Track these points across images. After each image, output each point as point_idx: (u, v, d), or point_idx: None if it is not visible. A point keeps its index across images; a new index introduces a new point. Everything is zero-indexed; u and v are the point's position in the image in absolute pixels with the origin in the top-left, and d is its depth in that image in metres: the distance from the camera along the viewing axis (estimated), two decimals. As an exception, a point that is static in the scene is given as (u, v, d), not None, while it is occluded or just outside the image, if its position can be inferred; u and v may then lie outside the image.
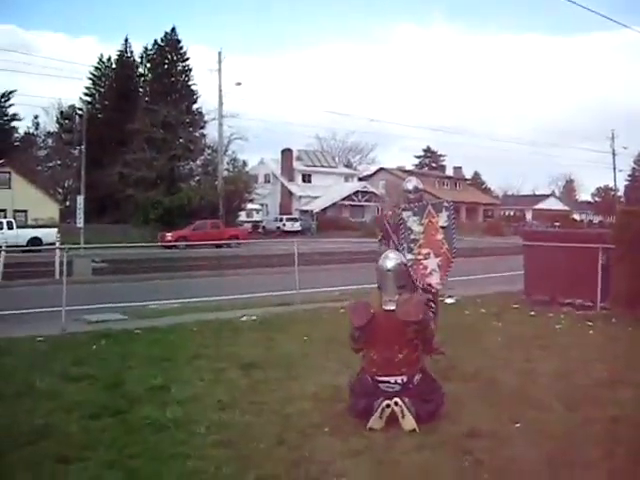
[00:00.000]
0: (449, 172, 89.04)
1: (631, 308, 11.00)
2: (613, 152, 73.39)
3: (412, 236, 8.24)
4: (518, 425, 5.49)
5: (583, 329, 10.21)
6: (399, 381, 5.57)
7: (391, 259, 6.09)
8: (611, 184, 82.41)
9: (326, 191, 69.44)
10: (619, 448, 4.93)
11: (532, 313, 11.69)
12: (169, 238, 39.48)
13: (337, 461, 4.72)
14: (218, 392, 6.55)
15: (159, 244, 36.27)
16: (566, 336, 9.60)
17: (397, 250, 7.59)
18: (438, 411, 5.67)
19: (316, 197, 68.98)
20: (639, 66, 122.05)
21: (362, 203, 70.08)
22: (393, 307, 5.72)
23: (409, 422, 5.35)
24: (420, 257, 8.20)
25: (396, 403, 5.40)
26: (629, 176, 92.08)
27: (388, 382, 5.57)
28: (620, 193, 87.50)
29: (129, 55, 63.88)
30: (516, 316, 11.37)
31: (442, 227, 8.33)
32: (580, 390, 6.53)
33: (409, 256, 7.98)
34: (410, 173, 80.00)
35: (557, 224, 57.78)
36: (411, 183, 8.72)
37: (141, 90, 61.24)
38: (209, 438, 5.23)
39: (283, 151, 71.21)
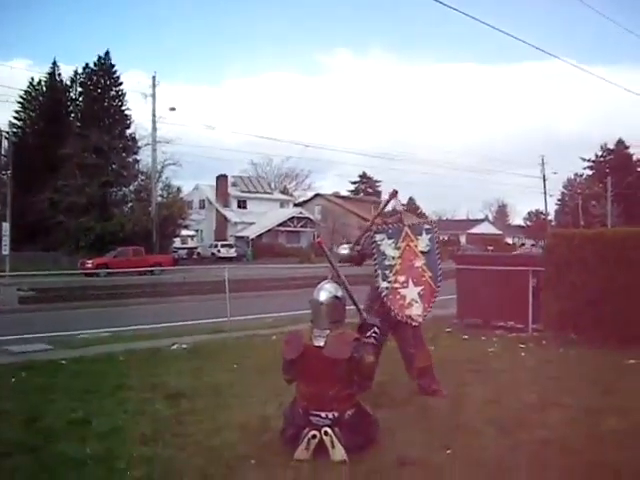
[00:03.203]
0: (385, 197, 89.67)
1: (561, 329, 11.13)
2: (544, 177, 75.21)
3: (386, 262, 7.37)
4: (449, 451, 5.39)
5: (515, 352, 10.25)
6: (330, 416, 5.38)
7: (325, 291, 5.84)
8: (542, 208, 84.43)
9: (262, 217, 69.16)
10: (549, 471, 4.89)
11: (465, 337, 11.71)
12: (89, 265, 38.38)
13: (262, 495, 4.53)
14: (141, 424, 6.27)
15: (79, 272, 35.04)
16: (498, 359, 9.62)
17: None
18: (370, 441, 5.52)
19: (252, 223, 68.65)
20: (567, 94, 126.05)
21: (298, 229, 70.04)
22: (322, 343, 5.53)
23: (339, 452, 5.18)
24: (397, 285, 7.33)
25: (325, 433, 5.24)
26: (559, 200, 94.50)
27: (319, 416, 5.39)
28: (551, 217, 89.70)
29: (59, 79, 62.63)
30: (449, 340, 11.36)
31: (423, 252, 7.51)
32: (511, 414, 6.48)
33: (384, 284, 7.31)
34: (346, 199, 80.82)
35: (490, 248, 58.69)
36: (389, 204, 7.81)
37: (73, 115, 60.10)
38: (129, 474, 4.96)
39: (218, 177, 70.76)
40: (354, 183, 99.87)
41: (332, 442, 5.22)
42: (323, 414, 5.38)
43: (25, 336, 12.54)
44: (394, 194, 7.81)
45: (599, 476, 4.77)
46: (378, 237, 7.47)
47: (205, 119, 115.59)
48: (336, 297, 5.80)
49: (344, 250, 7.79)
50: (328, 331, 5.58)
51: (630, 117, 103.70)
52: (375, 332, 6.29)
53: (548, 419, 6.31)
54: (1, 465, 5.18)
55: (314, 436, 5.26)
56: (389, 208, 7.73)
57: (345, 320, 5.88)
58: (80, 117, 57.91)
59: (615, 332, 10.32)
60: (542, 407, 6.74)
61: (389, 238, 7.45)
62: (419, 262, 7.46)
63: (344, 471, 4.97)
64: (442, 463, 5.11)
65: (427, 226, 7.74)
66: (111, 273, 33.27)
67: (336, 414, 5.38)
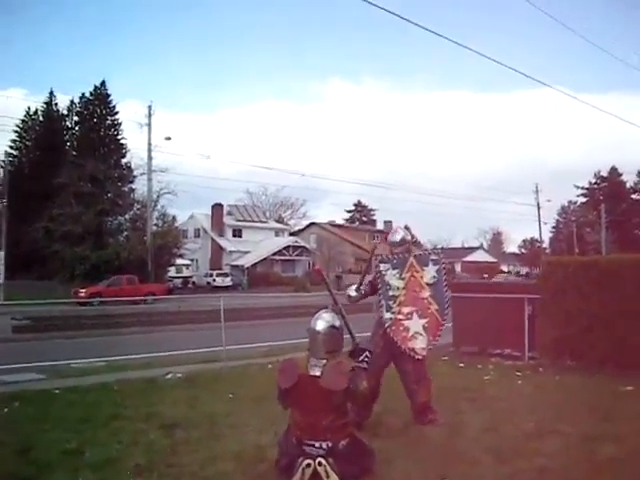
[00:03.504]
0: (380, 226, 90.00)
1: (557, 357, 11.12)
2: (538, 205, 75.56)
3: (390, 292, 7.27)
4: (446, 481, 5.35)
5: (511, 380, 10.22)
6: (324, 446, 5.33)
7: (323, 320, 5.78)
8: (536, 236, 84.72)
9: (257, 246, 69.17)
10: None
11: (461, 365, 11.68)
12: (82, 294, 37.58)
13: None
14: (135, 455, 6.22)
15: (73, 300, 34.19)
16: (495, 387, 9.59)
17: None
18: (366, 471, 5.47)
19: (247, 252, 68.57)
20: (561, 122, 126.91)
21: (293, 258, 70.03)
22: (318, 373, 5.49)
23: (333, 483, 5.15)
24: (400, 317, 7.20)
25: (320, 463, 5.20)
26: (553, 228, 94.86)
27: (313, 446, 5.35)
28: (545, 244, 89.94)
29: (55, 108, 62.96)
30: (445, 368, 11.30)
31: (428, 284, 7.33)
32: (508, 442, 6.45)
33: (387, 315, 7.20)
34: (341, 227, 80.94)
35: (485, 276, 58.77)
36: (397, 235, 7.64)
37: (68, 144, 60.30)
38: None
39: (213, 206, 70.88)
40: (349, 212, 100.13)
41: (326, 472, 5.18)
42: (317, 444, 5.33)
43: (18, 365, 12.43)
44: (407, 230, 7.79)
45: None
46: (382, 267, 7.37)
47: (200, 148, 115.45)
48: (333, 327, 5.75)
49: (352, 292, 7.65)
50: (325, 361, 5.54)
51: (623, 145, 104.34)
52: (367, 356, 6.23)
53: (545, 447, 6.28)
54: (-7, 496, 5.13)
55: (308, 465, 5.21)
56: (397, 238, 7.60)
57: (342, 349, 5.84)
58: (76, 146, 58.21)
59: (611, 359, 10.32)
60: (539, 435, 6.71)
61: (394, 268, 7.34)
62: (425, 294, 7.31)
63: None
64: (439, 492, 5.08)
65: (434, 257, 7.56)
66: (105, 302, 32.14)
67: (330, 444, 5.34)
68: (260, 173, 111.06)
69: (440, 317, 7.34)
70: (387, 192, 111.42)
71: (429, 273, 7.36)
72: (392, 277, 7.31)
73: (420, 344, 7.21)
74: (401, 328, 7.18)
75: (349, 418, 5.61)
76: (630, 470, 5.54)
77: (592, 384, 9.43)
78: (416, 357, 7.23)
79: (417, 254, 7.55)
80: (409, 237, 7.78)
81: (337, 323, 5.85)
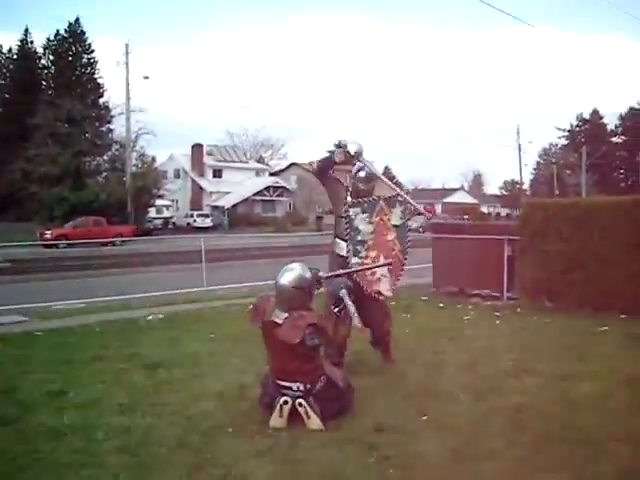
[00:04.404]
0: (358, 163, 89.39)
1: (535, 297, 11.28)
2: (519, 147, 75.46)
3: (359, 237, 7.07)
4: (425, 418, 5.45)
5: (490, 320, 10.34)
6: (301, 388, 5.37)
7: (289, 276, 5.62)
8: (517, 177, 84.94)
9: (237, 186, 68.76)
10: (523, 436, 4.96)
11: (441, 305, 11.79)
12: (48, 236, 36.94)
13: (240, 462, 4.55)
14: (119, 395, 6.28)
15: (38, 243, 33.34)
16: (474, 327, 9.72)
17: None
18: (344, 409, 5.56)
19: (227, 192, 68.27)
20: (544, 63, 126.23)
21: (274, 198, 69.88)
22: (280, 321, 5.47)
23: (314, 422, 5.23)
24: (368, 261, 7.07)
25: (300, 404, 5.28)
26: (534, 169, 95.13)
27: (290, 388, 5.39)
28: (526, 186, 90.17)
29: (30, 46, 61.52)
30: (425, 308, 11.44)
31: (395, 225, 7.18)
32: (486, 380, 6.57)
33: (355, 259, 7.04)
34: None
35: (466, 217, 58.97)
36: (363, 170, 7.22)
37: (44, 83, 59.07)
38: (107, 444, 4.97)
39: (193, 146, 70.21)
40: (330, 152, 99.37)
41: (307, 413, 5.27)
42: (294, 386, 5.38)
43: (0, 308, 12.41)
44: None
45: (572, 439, 4.85)
46: (352, 212, 7.11)
47: (179, 87, 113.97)
48: (298, 287, 5.58)
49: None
50: (286, 313, 5.49)
51: (605, 87, 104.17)
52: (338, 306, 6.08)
53: (522, 385, 6.41)
54: (-21, 437, 5.16)
55: (285, 402, 5.30)
56: (361, 175, 7.28)
57: (309, 305, 5.68)
58: (52, 86, 57.06)
59: (589, 300, 10.47)
60: (516, 374, 6.84)
61: (363, 212, 7.13)
62: (391, 236, 7.19)
63: (321, 438, 5.01)
64: (418, 429, 5.18)
65: (400, 198, 7.27)
66: (71, 244, 29.96)
67: (308, 386, 5.39)
68: (240, 113, 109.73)
69: (402, 258, 7.26)
70: (367, 131, 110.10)
71: (396, 215, 7.20)
72: (361, 222, 7.10)
73: (385, 286, 7.13)
74: (368, 272, 7.05)
75: (320, 362, 5.61)
76: (605, 405, 5.67)
77: (569, 324, 9.59)
78: (379, 298, 7.16)
79: (386, 197, 7.22)
80: (374, 171, 7.31)
81: (305, 279, 5.66)
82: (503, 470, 4.43)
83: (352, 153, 7.03)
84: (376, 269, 7.07)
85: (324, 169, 7.29)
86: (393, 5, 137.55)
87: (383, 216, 7.16)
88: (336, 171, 7.32)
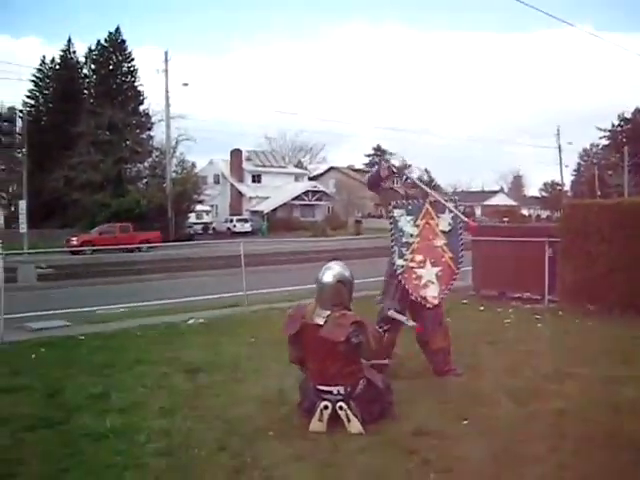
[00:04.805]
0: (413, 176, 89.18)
1: (577, 300, 11.11)
2: (559, 147, 74.60)
3: (404, 239, 7.07)
4: (466, 422, 5.42)
5: (531, 323, 10.25)
6: (341, 391, 5.39)
7: (331, 273, 5.70)
8: (558, 179, 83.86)
9: (276, 191, 69.11)
10: (565, 441, 4.90)
11: (481, 308, 11.71)
12: (74, 243, 37.24)
13: (280, 466, 4.58)
14: (160, 398, 6.36)
15: (65, 249, 33.70)
16: (514, 330, 9.62)
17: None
18: (385, 412, 5.55)
19: (266, 197, 68.59)
20: (584, 63, 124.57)
21: (313, 202, 70.02)
22: (322, 322, 5.48)
23: (355, 426, 5.24)
24: (413, 264, 7.03)
25: (340, 407, 5.29)
26: (575, 171, 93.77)
27: (330, 392, 5.41)
28: (567, 188, 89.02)
29: (72, 56, 62.50)
30: (465, 312, 11.34)
31: (443, 232, 7.13)
32: (528, 384, 6.51)
33: (399, 262, 7.04)
34: (360, 172, 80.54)
35: (506, 219, 58.41)
36: (414, 174, 7.44)
37: (86, 92, 60.01)
38: (149, 447, 5.04)
39: (232, 151, 70.69)
40: (368, 156, 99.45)
41: (347, 416, 5.27)
42: (335, 390, 5.40)
43: (44, 313, 12.60)
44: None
45: (615, 444, 4.78)
46: (397, 213, 7.14)
47: (218, 94, 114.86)
48: (340, 281, 5.65)
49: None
50: (329, 312, 5.51)
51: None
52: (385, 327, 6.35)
53: (564, 389, 6.33)
54: (26, 439, 5.27)
55: (326, 407, 5.31)
56: (413, 178, 7.42)
57: (349, 303, 5.73)
58: (93, 94, 57.94)
59: (632, 302, 10.29)
60: (558, 377, 6.76)
61: (408, 214, 7.10)
62: (439, 242, 7.11)
63: (361, 442, 5.00)
64: (459, 433, 5.15)
65: (451, 204, 7.28)
66: (97, 251, 30.98)
67: (348, 389, 5.40)
68: (279, 118, 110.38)
69: (454, 266, 7.16)
70: (407, 135, 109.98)
71: (445, 221, 7.14)
72: (406, 223, 7.09)
73: (432, 292, 7.04)
74: (413, 276, 7.03)
75: (360, 365, 5.60)
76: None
77: (612, 328, 9.45)
78: (427, 305, 7.06)
79: (433, 201, 7.20)
80: (426, 177, 7.52)
81: (346, 276, 5.74)
82: (545, 476, 4.39)
83: (395, 169, 7.18)
84: (423, 274, 7.02)
85: (374, 184, 7.30)
86: (430, 11, 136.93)
87: (430, 220, 7.12)
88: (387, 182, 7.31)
